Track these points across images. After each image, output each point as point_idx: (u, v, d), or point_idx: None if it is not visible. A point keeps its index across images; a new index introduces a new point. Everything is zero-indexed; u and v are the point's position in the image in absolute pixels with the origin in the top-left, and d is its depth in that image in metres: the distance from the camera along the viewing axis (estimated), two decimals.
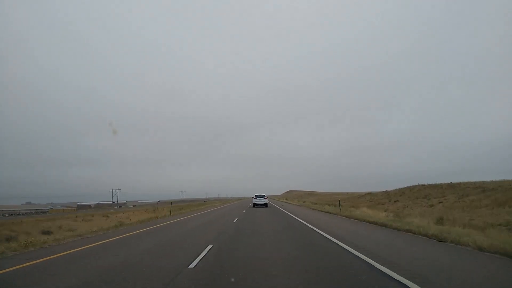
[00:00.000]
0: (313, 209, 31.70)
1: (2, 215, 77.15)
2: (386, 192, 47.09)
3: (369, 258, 6.91)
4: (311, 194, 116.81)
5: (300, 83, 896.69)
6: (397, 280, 5.18)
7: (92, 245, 9.89)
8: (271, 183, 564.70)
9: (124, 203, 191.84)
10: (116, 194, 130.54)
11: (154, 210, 39.36)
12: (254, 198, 41.30)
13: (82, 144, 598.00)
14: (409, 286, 4.83)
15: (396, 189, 45.31)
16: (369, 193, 52.64)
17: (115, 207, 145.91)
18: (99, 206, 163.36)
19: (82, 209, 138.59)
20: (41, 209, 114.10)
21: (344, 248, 8.36)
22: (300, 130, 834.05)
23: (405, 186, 44.17)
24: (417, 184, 41.75)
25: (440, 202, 29.38)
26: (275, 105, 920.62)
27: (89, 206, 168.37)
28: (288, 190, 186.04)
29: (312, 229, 13.28)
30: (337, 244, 9.05)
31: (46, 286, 5.22)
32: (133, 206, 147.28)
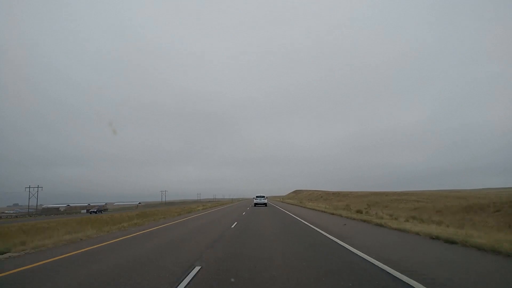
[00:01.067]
0: None
1: None
2: None
3: None
4: (336, 195, 75.93)
5: (306, 78, 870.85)
6: None
7: None
8: (273, 183, 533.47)
9: (103, 205, 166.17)
10: (35, 194, 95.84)
11: None
12: (255, 198, 43.60)
13: (71, 143, 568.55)
14: None
15: None
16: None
17: (82, 211, 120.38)
18: (69, 210, 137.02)
19: (43, 214, 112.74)
20: None
21: None
22: (305, 126, 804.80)
23: None
24: None
25: None
26: (277, 102, 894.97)
27: (57, 209, 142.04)
28: (295, 189, 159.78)
29: None
30: None
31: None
32: (104, 210, 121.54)
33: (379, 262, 6.22)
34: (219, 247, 8.64)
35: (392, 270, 5.57)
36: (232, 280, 5.17)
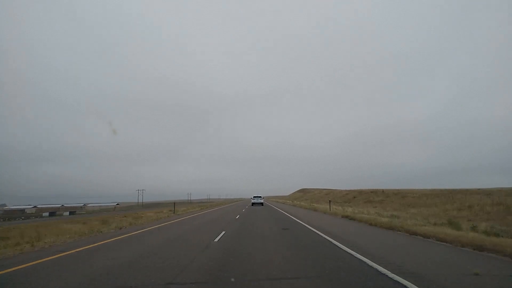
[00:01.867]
0: None
1: None
2: None
3: None
4: (382, 194, 49.51)
5: (306, 78, 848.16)
6: None
7: None
8: (274, 182, 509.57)
9: (82, 206, 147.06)
10: None
11: None
12: (252, 199, 48.05)
13: (52, 138, 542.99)
14: None
15: None
16: None
17: (44, 214, 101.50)
18: (38, 212, 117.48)
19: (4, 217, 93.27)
20: None
21: None
22: (305, 125, 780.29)
23: None
24: None
25: None
26: (277, 101, 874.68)
27: (22, 211, 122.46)
28: (301, 188, 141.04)
29: None
30: None
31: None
32: (69, 213, 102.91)
33: None
34: None
35: None
36: None
